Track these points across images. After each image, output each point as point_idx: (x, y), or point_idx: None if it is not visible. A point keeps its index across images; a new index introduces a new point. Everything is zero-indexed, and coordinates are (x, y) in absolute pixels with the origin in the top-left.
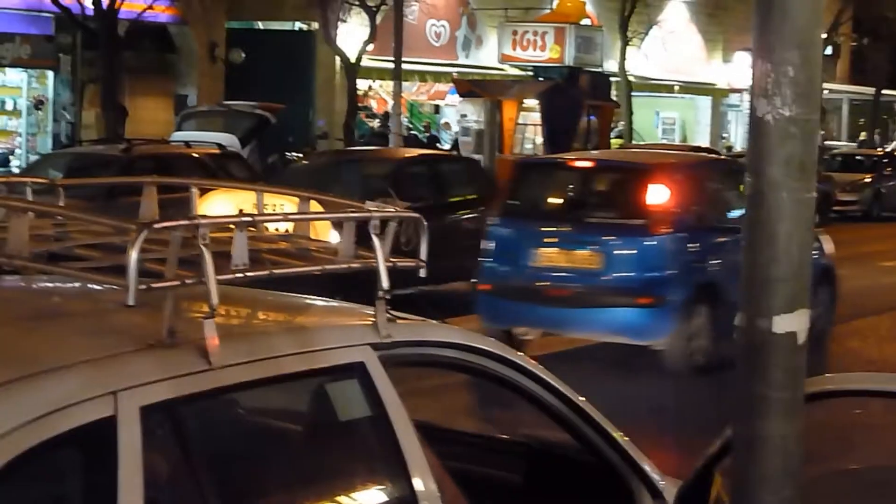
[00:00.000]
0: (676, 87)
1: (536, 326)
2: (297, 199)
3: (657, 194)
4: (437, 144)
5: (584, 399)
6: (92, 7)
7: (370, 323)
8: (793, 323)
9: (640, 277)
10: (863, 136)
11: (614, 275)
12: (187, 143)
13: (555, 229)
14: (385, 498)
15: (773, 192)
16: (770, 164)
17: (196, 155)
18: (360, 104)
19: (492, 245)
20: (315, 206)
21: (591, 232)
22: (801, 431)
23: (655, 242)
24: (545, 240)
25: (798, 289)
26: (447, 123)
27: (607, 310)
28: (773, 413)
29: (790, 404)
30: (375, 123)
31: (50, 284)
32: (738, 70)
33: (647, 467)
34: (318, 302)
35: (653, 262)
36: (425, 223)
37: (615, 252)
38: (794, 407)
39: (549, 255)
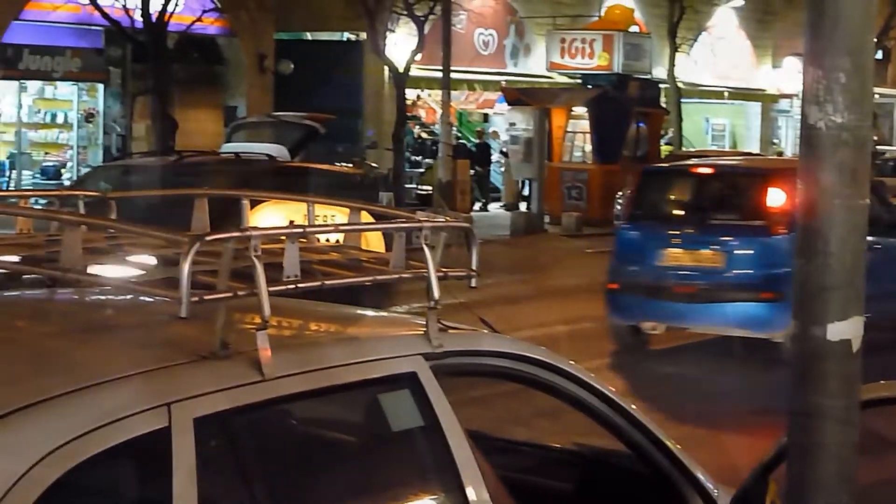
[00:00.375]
0: (726, 94)
1: (663, 321)
2: (347, 210)
3: (776, 197)
4: (490, 152)
5: (635, 407)
6: (141, 20)
7: (422, 333)
8: (847, 330)
9: (760, 274)
10: None
11: (736, 272)
12: (237, 155)
13: (679, 231)
14: None
15: (825, 198)
16: (822, 170)
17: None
18: (408, 113)
19: (620, 247)
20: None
21: (713, 233)
22: (857, 439)
23: (775, 242)
24: (671, 241)
25: (852, 296)
26: (496, 132)
27: (730, 304)
28: (828, 421)
29: (845, 412)
30: (416, 129)
31: (103, 297)
32: (787, 75)
33: (701, 475)
34: (370, 312)
35: (772, 259)
36: (475, 233)
37: (737, 251)
38: (850, 414)
39: (674, 255)
